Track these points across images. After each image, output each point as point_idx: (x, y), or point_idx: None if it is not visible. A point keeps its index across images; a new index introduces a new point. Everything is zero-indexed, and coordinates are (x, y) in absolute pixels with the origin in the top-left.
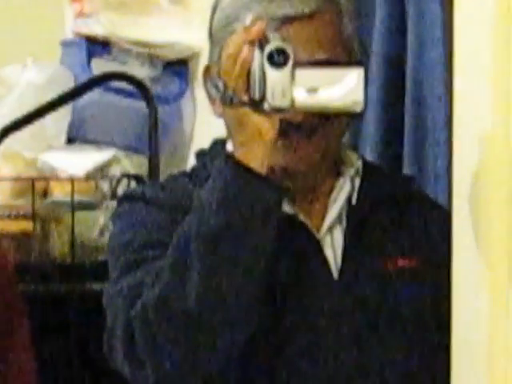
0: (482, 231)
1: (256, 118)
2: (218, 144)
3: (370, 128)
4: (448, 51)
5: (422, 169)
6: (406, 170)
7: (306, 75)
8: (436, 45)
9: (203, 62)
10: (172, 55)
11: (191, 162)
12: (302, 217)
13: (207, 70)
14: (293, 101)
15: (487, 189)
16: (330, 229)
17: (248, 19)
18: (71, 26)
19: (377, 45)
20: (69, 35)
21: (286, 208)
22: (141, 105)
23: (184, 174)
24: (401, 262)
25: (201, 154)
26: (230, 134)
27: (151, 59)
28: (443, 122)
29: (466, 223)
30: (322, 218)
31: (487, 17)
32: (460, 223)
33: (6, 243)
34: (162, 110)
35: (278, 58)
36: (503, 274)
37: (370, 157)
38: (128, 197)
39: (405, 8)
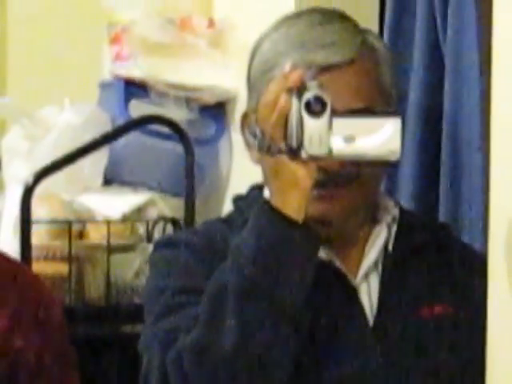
0: None
1: (293, 166)
2: (255, 190)
3: (407, 176)
4: (486, 102)
5: (458, 217)
6: (442, 217)
7: (344, 124)
8: (473, 96)
9: (240, 105)
10: (209, 98)
11: (227, 205)
12: (338, 263)
13: (245, 116)
14: (330, 149)
15: None
16: (366, 275)
17: (286, 66)
18: (109, 68)
19: (414, 94)
20: (106, 77)
21: (322, 254)
22: (178, 147)
23: (220, 219)
24: (437, 310)
25: (237, 200)
26: (266, 181)
27: (188, 102)
28: (480, 170)
29: (502, 271)
30: (358, 265)
31: None
32: (496, 271)
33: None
34: (199, 153)
35: (315, 107)
36: None
37: (405, 205)
38: (164, 242)
39: (442, 58)
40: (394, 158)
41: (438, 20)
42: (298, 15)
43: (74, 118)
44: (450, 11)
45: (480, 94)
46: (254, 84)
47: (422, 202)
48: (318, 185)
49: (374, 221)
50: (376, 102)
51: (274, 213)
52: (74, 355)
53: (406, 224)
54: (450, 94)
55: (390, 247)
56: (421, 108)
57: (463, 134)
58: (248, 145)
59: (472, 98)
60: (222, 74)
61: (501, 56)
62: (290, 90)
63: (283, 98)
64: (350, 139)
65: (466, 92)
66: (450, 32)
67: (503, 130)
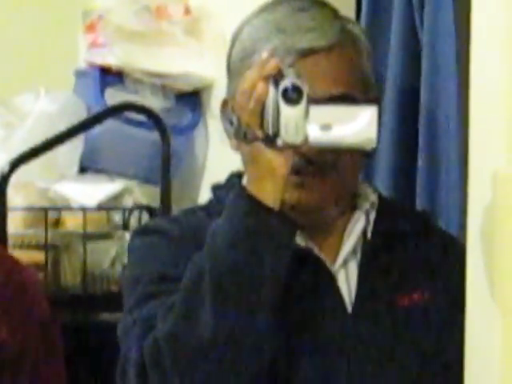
0: (496, 270)
1: (269, 154)
2: (234, 177)
3: (384, 163)
4: (464, 87)
5: (435, 204)
6: (419, 204)
7: (320, 112)
8: (450, 79)
9: (216, 93)
10: (185, 86)
11: (203, 193)
12: (316, 250)
13: (225, 103)
14: (306, 137)
15: (502, 227)
16: (345, 262)
17: (263, 54)
18: (84, 56)
19: (391, 76)
20: (82, 65)
21: (300, 241)
22: (153, 135)
23: (200, 207)
24: (415, 297)
25: (216, 188)
26: (245, 168)
27: (164, 90)
28: (457, 158)
29: (480, 263)
30: (337, 252)
31: (503, 51)
32: (474, 262)
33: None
34: (175, 141)
35: (292, 95)
36: None
37: (382, 192)
38: (142, 230)
39: (419, 39)
40: (370, 145)
41: (415, 5)
42: (278, 2)
43: (50, 105)
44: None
45: (457, 82)
46: (233, 71)
47: (398, 189)
48: (296, 172)
49: (353, 208)
50: (355, 88)
51: (249, 200)
52: (60, 341)
53: (384, 211)
54: (426, 81)
55: (369, 234)
56: (397, 96)
57: (440, 121)
58: (227, 132)
59: (449, 86)
60: (198, 62)
61: (479, 43)
62: (266, 78)
63: (260, 86)
64: (326, 127)
65: (442, 80)
66: (426, 19)
67: (481, 118)
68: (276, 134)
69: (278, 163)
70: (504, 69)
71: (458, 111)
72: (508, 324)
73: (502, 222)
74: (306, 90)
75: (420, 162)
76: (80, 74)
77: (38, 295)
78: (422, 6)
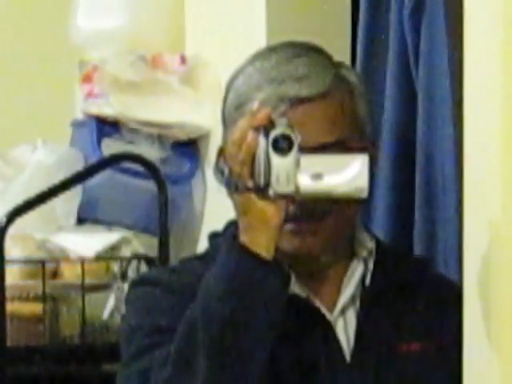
0: (492, 316)
1: (261, 204)
2: (231, 226)
3: (381, 208)
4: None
5: (432, 248)
6: (417, 249)
7: (311, 161)
8: (447, 123)
9: (213, 142)
10: (182, 135)
11: (202, 242)
12: (313, 299)
13: (221, 151)
14: (297, 187)
15: (497, 276)
16: (343, 311)
17: (254, 104)
18: (81, 107)
19: (387, 120)
20: (79, 116)
21: (298, 290)
22: (151, 185)
23: (197, 256)
24: (414, 345)
25: (213, 236)
26: (237, 218)
27: (161, 139)
28: (454, 202)
29: (477, 311)
30: (335, 300)
31: (497, 105)
32: (471, 312)
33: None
34: (172, 191)
35: (282, 144)
36: None
37: (380, 236)
38: (140, 281)
39: (415, 94)
40: (362, 194)
41: (410, 49)
42: (271, 49)
43: (47, 157)
44: (422, 41)
45: (453, 126)
46: (227, 119)
47: (396, 234)
48: (291, 219)
49: (351, 255)
50: (349, 136)
51: (241, 250)
52: None
53: (382, 258)
54: (422, 125)
55: (368, 282)
56: (394, 140)
57: (437, 165)
58: (219, 181)
59: (445, 130)
60: (195, 111)
61: (473, 87)
62: (257, 128)
63: (250, 136)
64: (317, 177)
65: (438, 124)
66: (421, 63)
67: (477, 165)
68: (267, 184)
69: (271, 213)
70: (499, 113)
71: (454, 156)
72: (506, 374)
73: (498, 270)
74: (296, 139)
75: (417, 206)
76: (77, 125)
77: None
78: (416, 50)
